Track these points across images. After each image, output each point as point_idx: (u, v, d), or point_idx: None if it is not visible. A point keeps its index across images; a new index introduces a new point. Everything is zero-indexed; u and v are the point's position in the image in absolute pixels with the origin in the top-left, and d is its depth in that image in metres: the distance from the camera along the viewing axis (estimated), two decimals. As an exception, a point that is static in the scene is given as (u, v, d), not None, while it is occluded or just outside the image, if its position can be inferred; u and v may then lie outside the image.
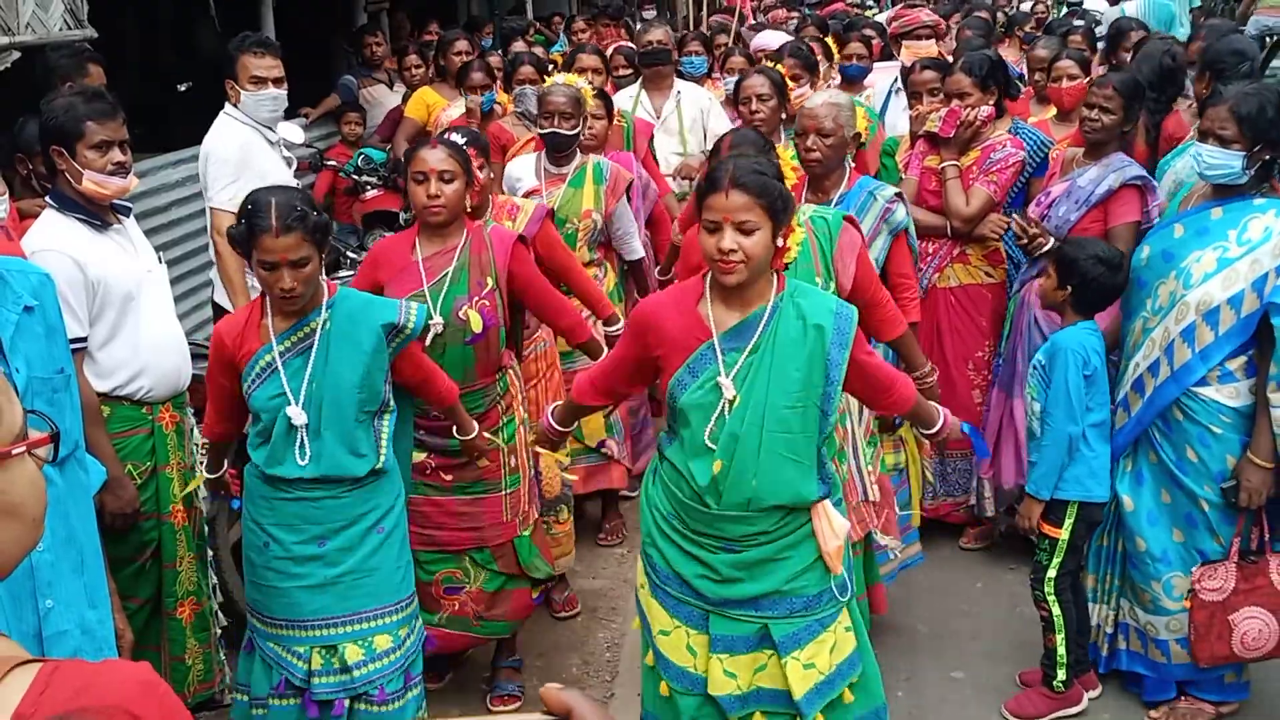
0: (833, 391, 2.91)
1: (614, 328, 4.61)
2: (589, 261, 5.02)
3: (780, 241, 2.89)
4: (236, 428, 3.57)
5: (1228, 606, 3.70)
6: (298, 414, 3.27)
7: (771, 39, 7.55)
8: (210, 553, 4.01)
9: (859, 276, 3.73)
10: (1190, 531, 3.78)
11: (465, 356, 3.89)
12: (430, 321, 3.75)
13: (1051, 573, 3.88)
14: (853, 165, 4.35)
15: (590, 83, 5.53)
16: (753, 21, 10.71)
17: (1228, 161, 3.62)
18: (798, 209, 3.73)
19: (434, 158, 3.80)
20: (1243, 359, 3.64)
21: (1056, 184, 4.75)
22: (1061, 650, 3.92)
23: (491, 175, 4.38)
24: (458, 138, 4.12)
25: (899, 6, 10.18)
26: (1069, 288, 3.84)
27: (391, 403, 3.43)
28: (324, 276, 3.40)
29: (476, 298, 3.87)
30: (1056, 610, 3.89)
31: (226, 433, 3.60)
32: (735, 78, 6.56)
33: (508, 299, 3.99)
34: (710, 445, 2.90)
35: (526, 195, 4.88)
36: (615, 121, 5.72)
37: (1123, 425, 3.90)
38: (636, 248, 5.27)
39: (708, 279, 2.99)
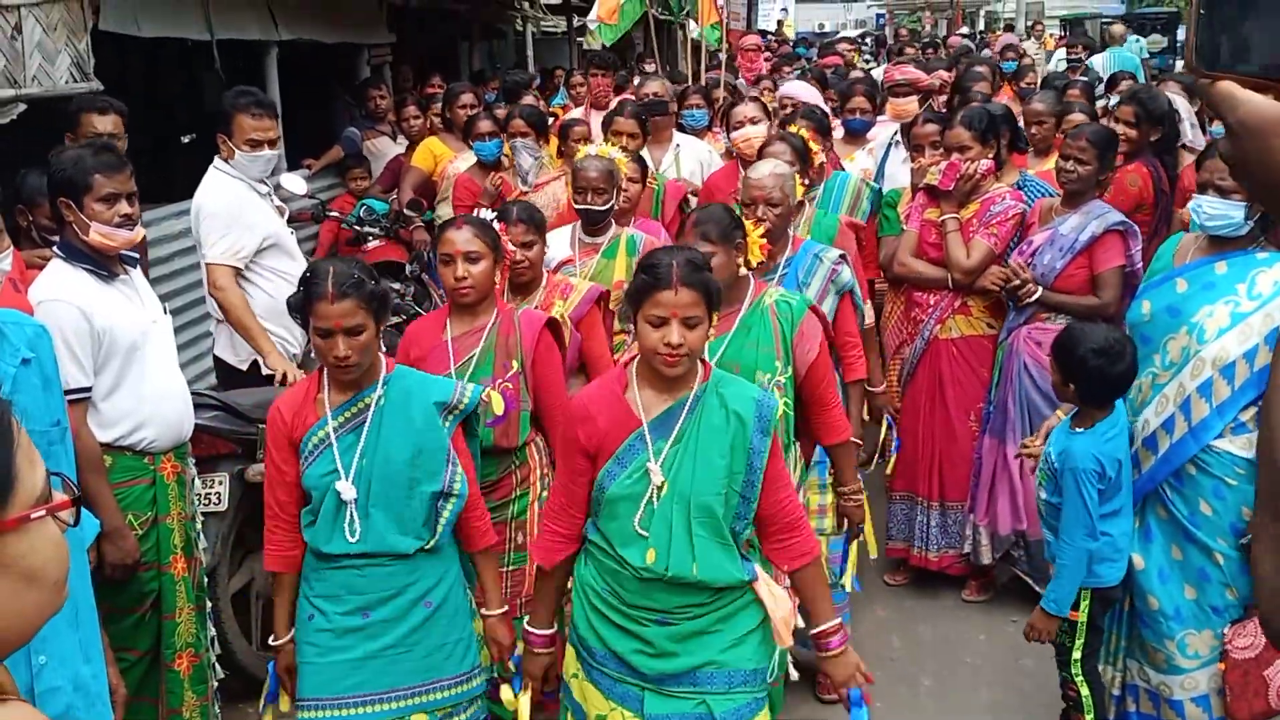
0: (755, 479, 2.90)
1: None
2: (619, 331, 5.00)
3: (710, 332, 2.95)
4: (300, 546, 3.30)
5: (1261, 661, 3.62)
6: (347, 488, 3.16)
7: (799, 89, 7.56)
8: (210, 604, 3.98)
9: (815, 368, 3.69)
10: (1203, 587, 3.70)
11: (485, 439, 3.80)
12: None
13: (1076, 654, 3.79)
14: (793, 232, 4.37)
15: (625, 147, 5.51)
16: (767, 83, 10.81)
17: (1228, 212, 3.61)
18: (764, 291, 3.78)
19: (460, 239, 3.75)
20: (1254, 410, 3.59)
21: (1037, 233, 4.81)
22: None
23: (545, 251, 4.31)
24: (518, 214, 4.12)
25: (888, 64, 10.28)
26: (1071, 385, 3.73)
27: (459, 489, 3.27)
28: (383, 352, 3.33)
29: (500, 380, 3.82)
30: (1085, 691, 3.81)
31: (291, 551, 3.30)
32: (751, 129, 6.58)
33: (533, 382, 3.92)
34: (641, 532, 2.89)
35: (560, 265, 4.87)
36: (649, 183, 5.70)
37: (1133, 481, 3.81)
38: None
39: (632, 368, 3.02)
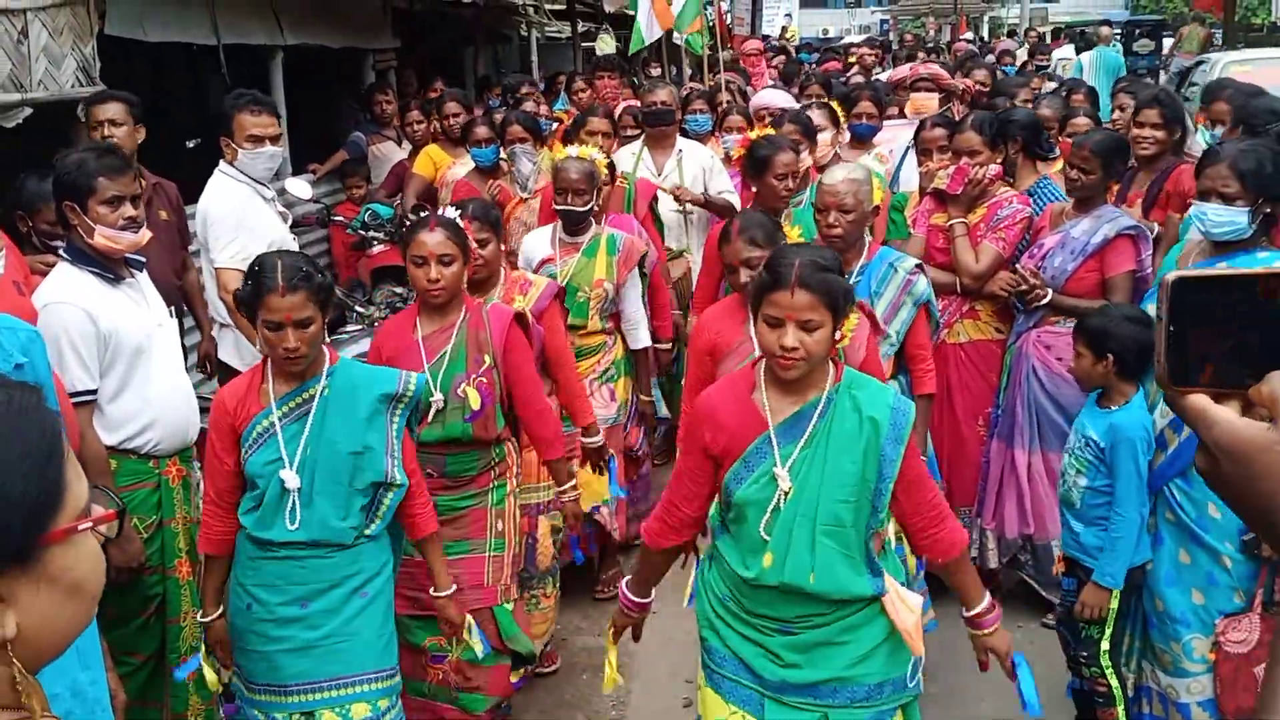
0: (884, 488, 2.81)
1: (592, 439, 4.56)
2: (600, 330, 5.02)
3: (838, 334, 2.85)
4: (234, 529, 3.40)
5: (1252, 659, 3.63)
6: (291, 477, 3.25)
7: (773, 97, 7.60)
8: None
9: (863, 367, 3.66)
10: (1211, 591, 3.70)
11: (464, 434, 3.89)
12: (431, 399, 3.78)
13: (1105, 645, 3.79)
14: (871, 238, 4.36)
15: (600, 146, 5.56)
16: (769, 83, 10.81)
17: (1233, 218, 3.61)
18: None
19: (432, 241, 3.80)
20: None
21: (1048, 236, 4.79)
22: None
23: (502, 248, 4.37)
24: (473, 211, 4.16)
25: (908, 65, 10.27)
26: (1108, 358, 3.72)
27: (399, 479, 3.36)
28: (327, 343, 3.41)
29: (474, 375, 3.88)
30: (1114, 682, 3.81)
31: (226, 535, 3.40)
32: (735, 136, 6.65)
33: (505, 375, 3.98)
34: (765, 537, 2.83)
35: (541, 264, 4.90)
36: (618, 182, 5.74)
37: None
38: (642, 336, 5.25)
39: (760, 368, 2.93)
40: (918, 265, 4.26)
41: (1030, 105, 6.91)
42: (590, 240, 5.01)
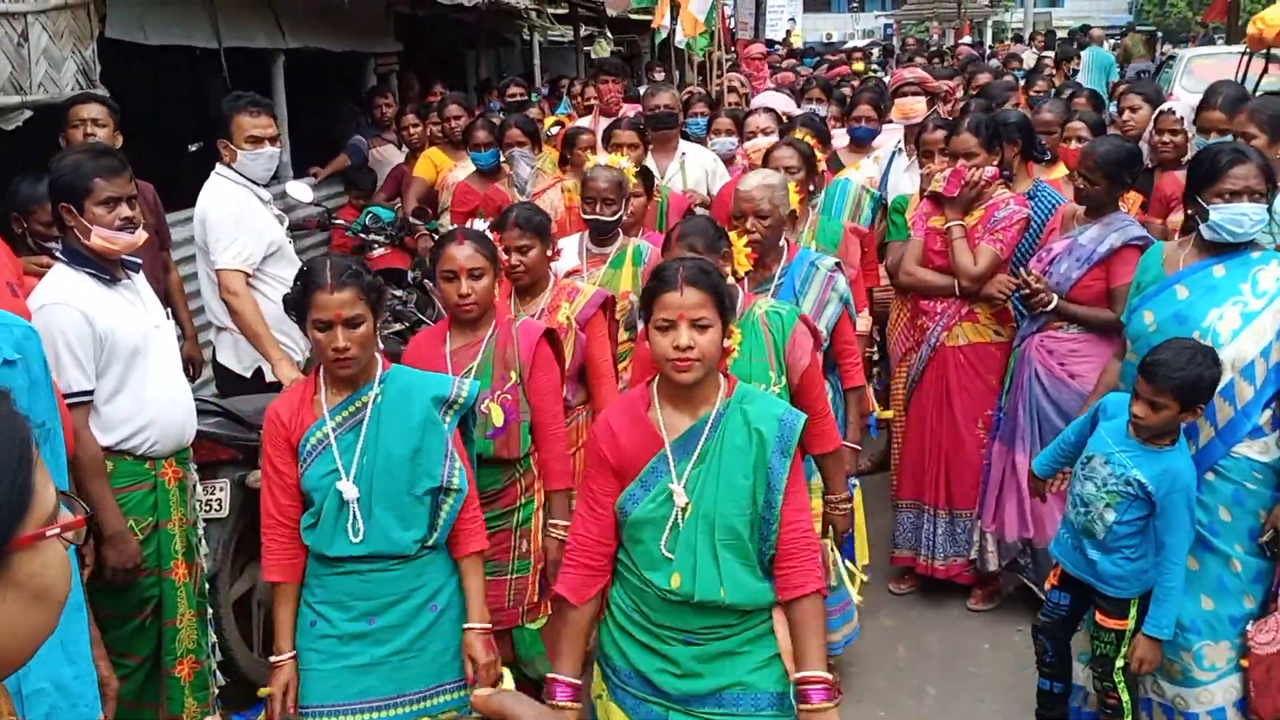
0: (775, 499, 2.79)
1: None
2: (624, 340, 4.99)
3: (726, 341, 2.86)
4: (301, 551, 3.23)
5: None
6: (348, 488, 3.13)
7: (774, 101, 7.59)
8: (211, 611, 3.97)
9: (807, 377, 3.69)
10: (1221, 597, 3.67)
11: (486, 450, 3.82)
12: None
13: (1120, 662, 3.76)
14: (789, 241, 4.36)
15: (627, 158, 5.52)
16: (768, 87, 10.81)
17: (1263, 216, 3.63)
18: (753, 303, 3.77)
19: (462, 255, 3.74)
20: (1269, 413, 3.59)
21: (1057, 241, 4.76)
22: None
23: (549, 254, 4.30)
24: (516, 217, 4.11)
25: (896, 68, 10.29)
26: (1196, 408, 3.53)
27: (458, 483, 3.25)
28: (381, 350, 3.32)
29: (499, 391, 3.82)
30: (1126, 697, 3.79)
31: (293, 559, 3.22)
32: (724, 139, 6.65)
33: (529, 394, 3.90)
34: (667, 555, 2.82)
35: (567, 275, 4.86)
36: (653, 196, 5.69)
37: None
38: None
39: (654, 385, 2.93)
40: (836, 263, 4.30)
41: (1026, 109, 6.90)
42: (617, 252, 4.93)
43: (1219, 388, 3.55)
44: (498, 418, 3.82)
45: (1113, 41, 22.49)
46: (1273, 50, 6.80)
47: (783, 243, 4.31)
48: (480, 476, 3.74)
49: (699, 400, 2.85)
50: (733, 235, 3.79)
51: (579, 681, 2.92)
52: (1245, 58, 7.98)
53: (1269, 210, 3.64)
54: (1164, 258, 3.91)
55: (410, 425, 3.20)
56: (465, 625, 3.29)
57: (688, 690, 2.87)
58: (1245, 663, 3.66)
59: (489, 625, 3.32)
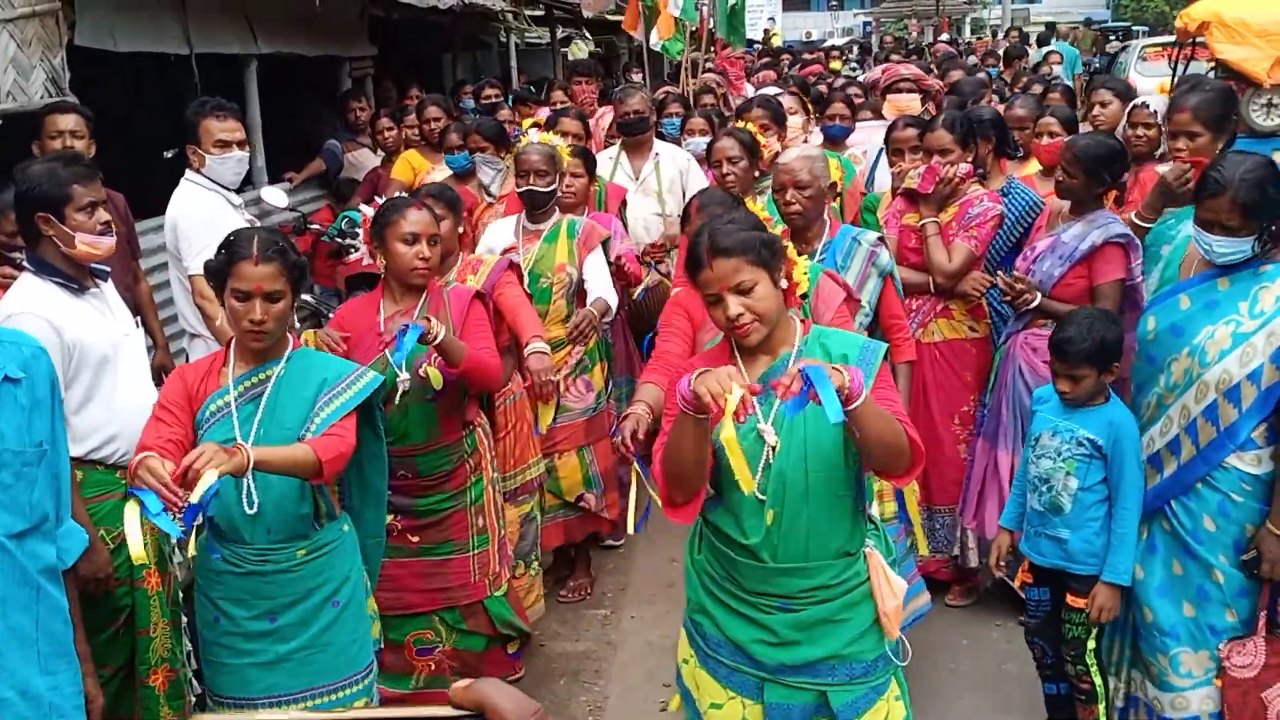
0: None
1: (534, 345, 4.37)
2: (568, 315, 5.03)
3: (784, 282, 2.84)
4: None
5: (1260, 682, 3.53)
6: None
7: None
8: (184, 619, 3.95)
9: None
10: (1202, 605, 3.60)
11: (428, 414, 3.91)
12: (399, 379, 3.78)
13: (1092, 644, 3.78)
14: (831, 216, 4.39)
15: (570, 144, 5.58)
16: (747, 87, 10.83)
17: (1239, 248, 3.50)
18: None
19: (424, 221, 3.86)
20: (1263, 426, 3.50)
21: (1041, 239, 4.76)
22: (1104, 719, 3.83)
23: (461, 230, 4.46)
24: (428, 190, 4.23)
25: (883, 65, 10.31)
26: (1112, 369, 3.77)
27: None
28: (294, 329, 3.40)
29: (436, 355, 3.87)
30: (1098, 680, 3.80)
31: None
32: (699, 139, 6.70)
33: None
34: (760, 496, 2.80)
35: (504, 252, 4.91)
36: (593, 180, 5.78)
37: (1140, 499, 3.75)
38: (609, 297, 5.17)
39: (732, 341, 2.93)
40: (879, 238, 4.31)
41: (993, 104, 6.93)
42: (551, 227, 5.05)
43: (1202, 407, 3.53)
44: (437, 380, 3.90)
45: (1071, 38, 22.99)
46: (1196, 39, 7.31)
47: (826, 218, 4.32)
48: (427, 460, 3.84)
49: (777, 344, 2.88)
50: (749, 201, 3.82)
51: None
52: (1176, 49, 8.46)
53: (1255, 242, 3.47)
54: (1184, 256, 3.84)
55: (303, 401, 3.26)
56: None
57: (784, 660, 2.87)
58: (1219, 682, 3.60)
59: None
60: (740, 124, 5.72)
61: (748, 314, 2.75)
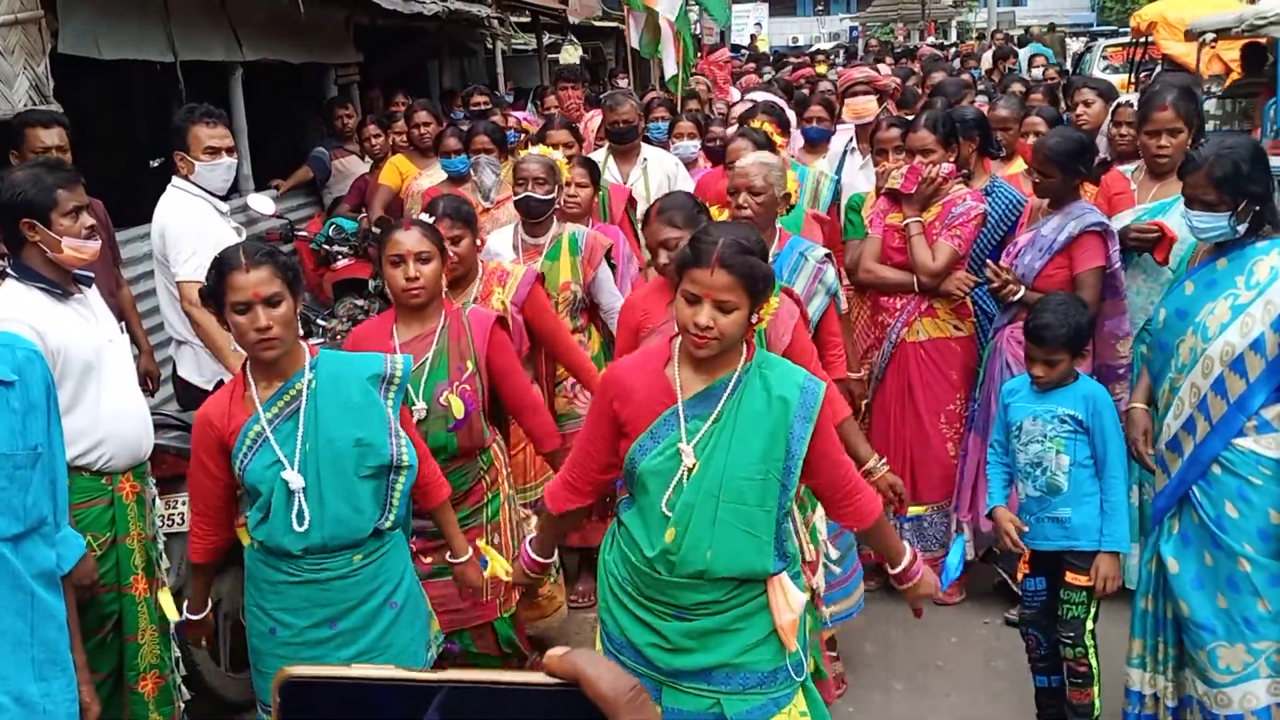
0: (793, 465, 2.82)
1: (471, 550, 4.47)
2: (573, 329, 5.00)
3: (755, 318, 2.86)
4: (226, 537, 3.38)
5: None
6: (294, 478, 3.12)
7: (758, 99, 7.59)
8: (174, 625, 3.95)
9: (795, 348, 3.65)
10: (1233, 596, 3.54)
11: (448, 442, 3.82)
12: (413, 408, 3.71)
13: (1090, 624, 3.79)
14: (780, 228, 4.37)
15: (570, 156, 5.56)
16: (733, 91, 10.84)
17: (1216, 223, 3.55)
18: None
19: (410, 240, 3.75)
20: (1278, 408, 3.49)
21: (1024, 234, 4.81)
22: (1098, 703, 3.85)
23: (477, 244, 4.34)
24: (444, 208, 4.13)
25: (840, 68, 10.33)
26: (1086, 353, 3.96)
27: (406, 460, 3.26)
28: (302, 337, 3.33)
29: (457, 382, 3.81)
30: (1095, 662, 3.81)
31: (217, 545, 3.38)
32: (686, 143, 6.70)
33: (488, 381, 3.93)
34: (666, 513, 2.83)
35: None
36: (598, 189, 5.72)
37: (1163, 487, 3.74)
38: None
39: (676, 343, 2.94)
40: (826, 254, 4.31)
41: (975, 104, 6.96)
42: (552, 242, 4.95)
43: (1210, 382, 3.54)
44: (458, 409, 3.83)
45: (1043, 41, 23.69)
46: (1147, 38, 7.73)
47: (776, 228, 4.30)
48: (446, 479, 3.75)
49: (719, 363, 2.88)
50: (714, 210, 3.81)
51: (546, 561, 3.31)
52: (1131, 47, 8.85)
53: (1231, 217, 3.51)
54: (1194, 254, 3.87)
55: (350, 406, 3.20)
56: (452, 560, 3.57)
57: (678, 666, 2.89)
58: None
59: (471, 556, 3.58)
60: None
61: (715, 329, 2.76)
